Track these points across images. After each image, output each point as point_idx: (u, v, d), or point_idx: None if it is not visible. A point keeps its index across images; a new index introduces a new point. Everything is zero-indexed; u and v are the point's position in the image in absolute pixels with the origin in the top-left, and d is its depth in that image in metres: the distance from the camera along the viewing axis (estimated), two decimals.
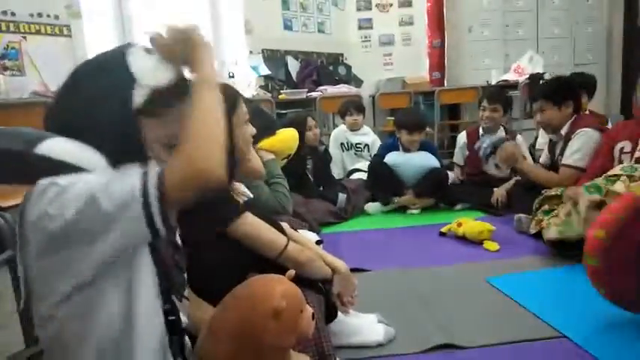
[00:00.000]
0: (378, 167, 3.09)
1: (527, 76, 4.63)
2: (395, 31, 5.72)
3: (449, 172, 3.20)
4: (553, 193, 2.25)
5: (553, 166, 2.59)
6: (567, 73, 3.76)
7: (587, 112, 2.95)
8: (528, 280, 1.81)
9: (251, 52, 4.66)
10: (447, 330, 1.44)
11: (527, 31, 5.44)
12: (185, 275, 0.87)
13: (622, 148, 2.18)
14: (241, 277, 0.93)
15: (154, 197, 0.65)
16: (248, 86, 4.30)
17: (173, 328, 0.78)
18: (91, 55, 0.80)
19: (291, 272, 0.91)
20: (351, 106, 3.67)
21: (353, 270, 1.90)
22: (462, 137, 3.32)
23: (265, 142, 2.20)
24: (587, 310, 1.52)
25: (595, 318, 1.47)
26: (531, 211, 2.34)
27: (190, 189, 0.68)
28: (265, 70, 4.62)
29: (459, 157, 3.33)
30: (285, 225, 1.38)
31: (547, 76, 4.38)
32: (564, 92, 2.51)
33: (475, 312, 1.57)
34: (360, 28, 5.67)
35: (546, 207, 2.23)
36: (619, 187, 1.85)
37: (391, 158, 3.07)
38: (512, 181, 2.91)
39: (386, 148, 3.19)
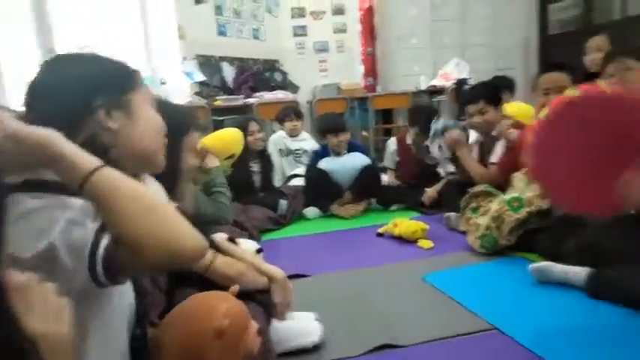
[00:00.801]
0: (313, 175, 3.13)
1: (454, 81, 4.88)
2: (329, 38, 5.83)
3: (383, 175, 3.32)
4: (478, 189, 2.39)
5: (482, 163, 2.73)
6: (490, 77, 4.00)
7: None
8: (461, 276, 1.90)
9: (185, 58, 4.55)
10: (386, 330, 1.47)
11: (452, 39, 5.73)
12: (164, 296, 0.83)
13: None
14: (169, 294, 0.90)
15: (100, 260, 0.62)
16: (182, 93, 4.19)
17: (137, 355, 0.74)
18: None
19: (235, 288, 0.90)
20: (291, 112, 3.69)
21: (292, 276, 1.92)
22: (391, 143, 3.43)
23: (206, 140, 2.16)
24: (517, 302, 1.62)
25: (524, 309, 1.57)
26: (460, 209, 2.48)
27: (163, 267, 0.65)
28: (200, 77, 4.53)
29: (389, 161, 3.46)
30: (222, 236, 1.36)
31: (471, 82, 4.65)
32: (499, 94, 2.68)
33: (413, 310, 1.62)
34: (294, 35, 5.72)
35: (474, 204, 2.36)
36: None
37: (324, 165, 3.12)
38: (443, 181, 3.05)
39: (317, 157, 3.22)
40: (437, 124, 2.88)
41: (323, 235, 2.70)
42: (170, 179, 1.19)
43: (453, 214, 2.55)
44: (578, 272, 1.67)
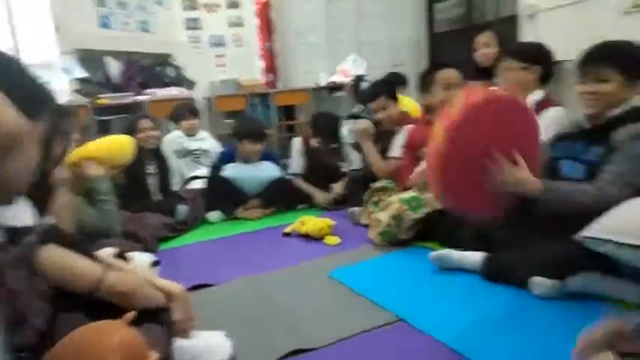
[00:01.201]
0: (218, 183, 2.96)
1: (352, 77, 5.00)
2: (225, 31, 5.63)
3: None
4: (379, 185, 2.45)
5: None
6: (386, 72, 4.14)
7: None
8: (366, 269, 1.91)
9: (63, 52, 4.10)
10: (297, 334, 1.42)
11: (349, 35, 5.86)
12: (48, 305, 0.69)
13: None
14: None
15: None
16: (59, 91, 3.76)
17: None
18: None
19: (130, 315, 0.78)
20: (186, 110, 3.48)
21: (196, 287, 1.80)
22: (297, 143, 3.27)
23: (91, 147, 1.94)
24: (421, 291, 1.67)
25: (428, 298, 1.61)
26: (363, 203, 2.52)
27: None
28: (80, 73, 4.11)
29: (295, 165, 3.24)
30: (108, 251, 1.21)
31: (368, 78, 4.79)
32: (395, 90, 2.77)
33: (322, 309, 1.59)
34: (187, 28, 5.43)
35: (375, 199, 2.42)
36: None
37: (231, 172, 2.97)
38: (347, 179, 3.07)
39: (223, 159, 3.06)
40: (357, 109, 2.90)
41: (227, 240, 2.58)
42: (39, 195, 1.02)
43: (357, 209, 2.58)
44: (474, 257, 1.76)
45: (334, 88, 5.19)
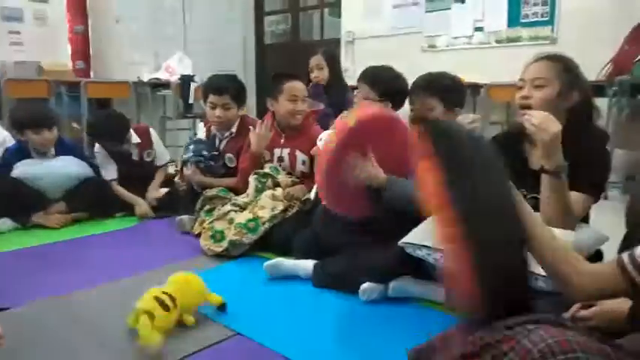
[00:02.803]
0: (5, 185, 2.46)
1: (179, 76, 4.75)
2: (23, 5, 4.76)
3: None
4: (212, 193, 2.36)
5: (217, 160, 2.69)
6: None
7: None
8: None
9: None
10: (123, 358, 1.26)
11: (176, 31, 5.56)
12: None
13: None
14: None
15: None
16: None
17: None
18: None
19: None
20: None
21: None
22: (98, 147, 2.81)
23: None
24: (256, 302, 1.64)
25: (263, 309, 1.60)
26: (193, 211, 2.40)
27: None
28: None
29: (107, 171, 2.80)
30: None
31: (197, 79, 4.62)
32: (244, 94, 2.65)
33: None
34: None
35: (208, 207, 2.32)
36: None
37: (24, 170, 2.50)
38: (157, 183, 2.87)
39: (12, 156, 2.56)
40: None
41: (24, 253, 2.16)
42: None
43: (185, 217, 2.43)
44: (306, 265, 1.83)
45: (158, 85, 4.85)
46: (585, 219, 1.57)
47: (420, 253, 1.51)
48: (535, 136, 1.36)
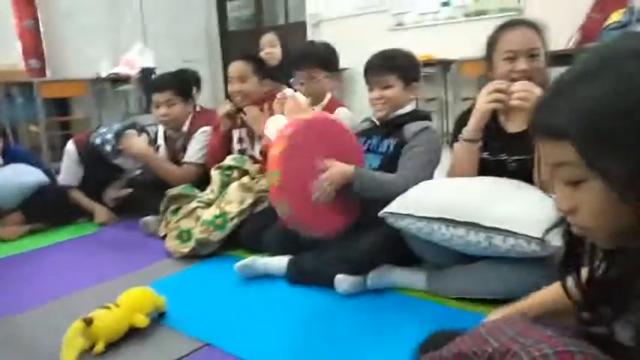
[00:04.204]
0: None
1: (139, 69, 4.54)
2: None
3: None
4: (176, 192, 2.22)
5: (173, 159, 2.55)
6: (177, 67, 3.85)
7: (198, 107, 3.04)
8: (165, 289, 1.65)
9: None
10: None
11: (134, 22, 5.32)
12: None
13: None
14: None
15: None
16: None
17: None
18: None
19: None
20: None
21: None
22: (70, 148, 2.52)
23: None
24: (226, 308, 1.53)
25: (233, 315, 1.48)
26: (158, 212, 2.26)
27: None
28: None
29: (70, 175, 2.54)
30: None
31: (158, 71, 4.42)
32: (190, 87, 2.52)
33: (117, 347, 1.30)
34: None
35: (173, 207, 2.18)
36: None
37: None
38: (122, 182, 2.67)
39: None
40: (107, 135, 2.35)
41: None
42: None
43: (151, 218, 2.29)
44: (279, 262, 1.72)
45: (118, 80, 4.63)
46: None
47: (403, 223, 1.46)
48: (521, 106, 1.38)
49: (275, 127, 1.78)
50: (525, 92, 1.37)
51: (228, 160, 2.22)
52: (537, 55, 1.48)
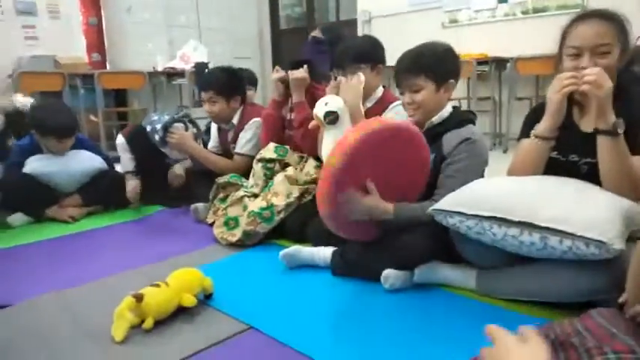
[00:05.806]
0: (17, 181, 2.39)
1: (193, 64, 4.67)
2: None
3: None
4: (224, 180, 2.26)
5: (225, 153, 2.61)
6: (228, 64, 3.90)
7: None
8: (212, 273, 1.69)
9: None
10: (125, 356, 1.17)
11: (189, 19, 5.48)
12: None
13: None
14: None
15: None
16: None
17: None
18: None
19: None
20: None
21: None
22: (119, 140, 2.58)
23: None
24: (270, 294, 1.54)
25: (278, 301, 1.49)
26: (208, 199, 2.31)
27: None
28: None
29: (127, 164, 2.57)
30: None
31: (211, 66, 4.53)
32: (234, 86, 2.51)
33: (159, 324, 1.35)
34: None
35: (222, 195, 2.22)
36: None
37: (36, 166, 2.43)
38: (183, 165, 2.70)
39: (22, 153, 2.48)
40: (157, 124, 2.41)
41: (33, 247, 2.11)
42: None
43: (200, 205, 2.35)
44: (324, 253, 1.71)
45: (174, 74, 4.78)
46: None
47: (452, 221, 1.38)
48: (590, 93, 1.28)
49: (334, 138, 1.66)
50: (594, 75, 1.25)
51: (270, 152, 2.21)
52: (607, 52, 1.33)
